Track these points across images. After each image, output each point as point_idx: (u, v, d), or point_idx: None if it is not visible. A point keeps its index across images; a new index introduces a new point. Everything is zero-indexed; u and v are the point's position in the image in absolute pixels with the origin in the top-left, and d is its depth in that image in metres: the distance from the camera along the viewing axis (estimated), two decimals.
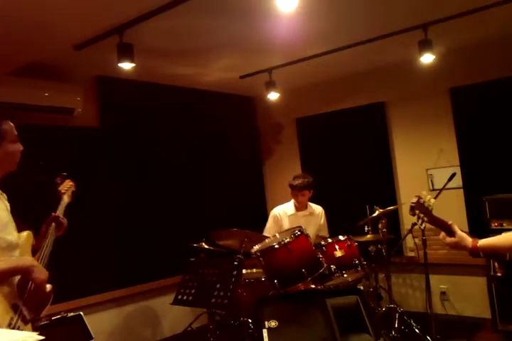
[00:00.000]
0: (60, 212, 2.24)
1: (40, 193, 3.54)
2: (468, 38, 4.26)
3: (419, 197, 2.03)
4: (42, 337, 1.18)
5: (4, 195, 1.92)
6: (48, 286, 1.82)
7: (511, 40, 4.26)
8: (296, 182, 4.15)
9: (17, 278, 1.71)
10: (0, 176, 1.88)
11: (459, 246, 1.99)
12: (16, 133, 1.92)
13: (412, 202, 2.04)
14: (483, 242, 1.93)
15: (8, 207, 1.91)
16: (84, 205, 4.17)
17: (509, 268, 2.01)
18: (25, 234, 1.91)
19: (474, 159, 4.55)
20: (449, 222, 2.03)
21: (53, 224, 2.13)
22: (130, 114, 4.68)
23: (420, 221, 2.04)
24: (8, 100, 3.62)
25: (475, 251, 1.94)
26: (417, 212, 2.02)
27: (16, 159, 1.93)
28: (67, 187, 2.36)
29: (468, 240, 1.97)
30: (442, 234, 2.04)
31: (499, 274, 2.07)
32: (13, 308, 1.64)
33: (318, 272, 3.16)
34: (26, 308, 1.68)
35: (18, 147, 1.93)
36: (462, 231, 2.03)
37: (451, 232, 2.00)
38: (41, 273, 1.70)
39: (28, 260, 1.74)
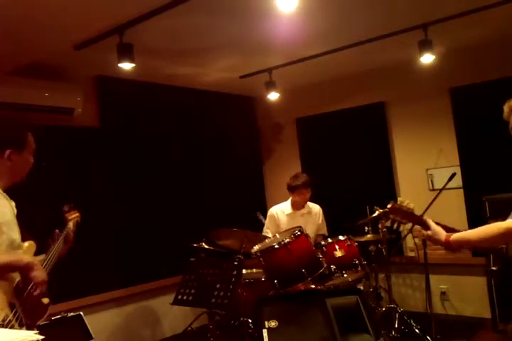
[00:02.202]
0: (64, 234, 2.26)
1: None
2: (468, 38, 4.26)
3: (394, 203, 2.12)
4: (41, 337, 1.18)
5: (12, 202, 1.93)
6: (46, 300, 1.83)
7: (511, 40, 4.26)
8: (300, 181, 4.15)
9: (18, 278, 1.72)
10: (9, 184, 1.91)
11: (433, 239, 2.06)
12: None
13: (387, 208, 2.13)
14: (455, 236, 2.00)
15: (15, 211, 1.92)
16: (84, 205, 4.17)
17: (505, 263, 2.07)
18: (27, 244, 1.92)
19: (474, 159, 4.55)
20: (424, 218, 2.12)
21: (62, 238, 2.16)
22: (130, 114, 4.68)
23: (396, 224, 2.13)
24: (9, 100, 3.61)
25: (448, 245, 2.00)
26: (392, 216, 2.11)
27: (27, 171, 1.99)
28: (73, 216, 2.42)
29: (442, 234, 2.03)
30: (419, 227, 2.13)
31: (494, 268, 2.14)
32: (10, 306, 1.64)
33: (318, 272, 3.16)
34: (23, 312, 1.68)
35: (32, 160, 2.00)
36: (442, 225, 2.09)
37: (427, 227, 2.08)
38: (41, 272, 1.71)
39: (26, 257, 1.75)
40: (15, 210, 1.92)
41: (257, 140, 6.05)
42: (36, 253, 1.96)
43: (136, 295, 4.55)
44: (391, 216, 2.13)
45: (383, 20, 3.68)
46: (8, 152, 1.87)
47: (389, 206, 2.13)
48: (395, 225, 2.15)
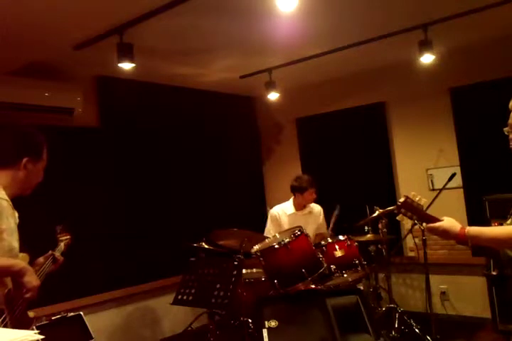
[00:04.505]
0: (57, 254, 2.26)
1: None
2: (468, 38, 4.26)
3: (407, 197, 2.04)
4: (41, 337, 1.18)
5: (16, 212, 1.93)
6: (31, 313, 1.82)
7: (511, 40, 4.26)
8: (308, 181, 4.16)
9: (10, 285, 1.71)
10: (16, 194, 1.90)
11: (448, 228, 1.88)
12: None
13: (399, 202, 2.05)
14: (471, 229, 1.84)
15: (17, 221, 1.92)
16: (84, 205, 4.18)
17: (502, 268, 1.99)
18: (20, 255, 1.91)
19: (474, 159, 4.55)
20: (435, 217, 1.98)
21: (46, 262, 2.14)
22: (130, 114, 4.68)
23: (407, 219, 2.04)
24: (8, 100, 3.62)
25: (462, 237, 1.84)
26: (403, 211, 2.03)
27: (35, 185, 1.99)
28: (64, 238, 2.40)
29: (457, 225, 1.88)
30: (425, 224, 1.98)
31: (494, 273, 2.06)
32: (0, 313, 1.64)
33: (318, 272, 3.16)
34: (10, 320, 1.68)
35: (42, 175, 1.99)
36: None
37: (436, 221, 1.94)
38: (34, 278, 1.70)
39: (22, 262, 1.74)
40: (17, 220, 1.92)
41: (257, 140, 6.05)
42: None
43: (136, 295, 4.55)
44: (402, 210, 2.05)
45: (383, 20, 3.68)
46: (25, 160, 1.86)
47: (401, 200, 2.06)
48: (405, 220, 2.06)
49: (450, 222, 1.90)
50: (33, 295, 1.71)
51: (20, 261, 1.76)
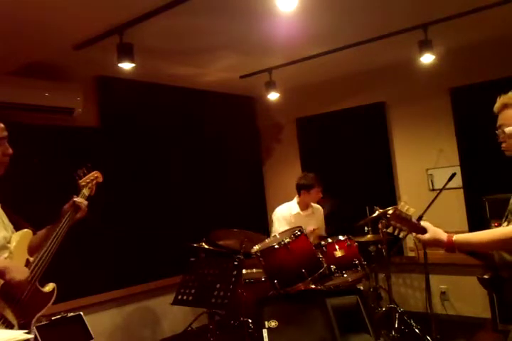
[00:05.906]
0: (78, 200, 2.16)
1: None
2: (468, 38, 4.26)
3: (395, 209, 2.03)
4: (31, 336, 1.17)
5: None
6: (51, 285, 1.78)
7: (511, 40, 4.26)
8: (314, 179, 4.16)
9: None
10: None
11: (433, 241, 1.94)
12: (6, 134, 1.83)
13: (388, 214, 2.04)
14: (458, 237, 1.89)
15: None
16: None
17: (496, 271, 1.99)
18: (21, 232, 1.87)
19: (474, 159, 4.55)
20: (420, 222, 2.01)
21: (69, 211, 2.06)
22: (130, 114, 4.68)
23: (397, 231, 2.03)
24: (8, 100, 3.62)
25: (450, 245, 1.90)
26: (393, 223, 2.02)
27: (2, 162, 1.83)
28: (89, 179, 2.26)
29: (444, 234, 1.92)
30: (415, 234, 2.01)
31: (486, 276, 2.05)
32: None
33: (318, 272, 3.16)
34: (14, 312, 1.65)
35: (5, 150, 1.83)
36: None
37: (424, 231, 1.97)
38: (16, 273, 1.65)
39: (0, 262, 1.68)
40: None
41: (257, 140, 6.04)
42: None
43: (136, 295, 4.55)
44: (392, 222, 2.04)
45: (383, 21, 3.68)
46: None
47: (390, 212, 2.04)
48: (396, 231, 2.02)
49: (435, 233, 1.93)
50: (22, 290, 1.67)
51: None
